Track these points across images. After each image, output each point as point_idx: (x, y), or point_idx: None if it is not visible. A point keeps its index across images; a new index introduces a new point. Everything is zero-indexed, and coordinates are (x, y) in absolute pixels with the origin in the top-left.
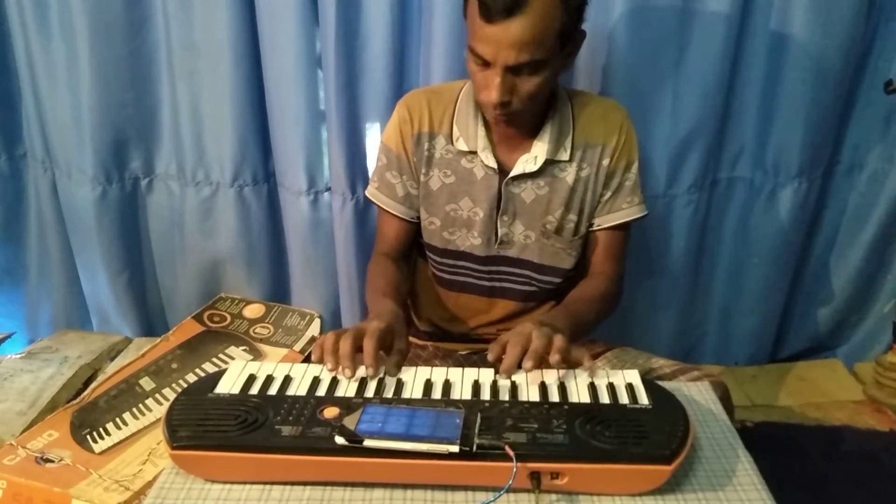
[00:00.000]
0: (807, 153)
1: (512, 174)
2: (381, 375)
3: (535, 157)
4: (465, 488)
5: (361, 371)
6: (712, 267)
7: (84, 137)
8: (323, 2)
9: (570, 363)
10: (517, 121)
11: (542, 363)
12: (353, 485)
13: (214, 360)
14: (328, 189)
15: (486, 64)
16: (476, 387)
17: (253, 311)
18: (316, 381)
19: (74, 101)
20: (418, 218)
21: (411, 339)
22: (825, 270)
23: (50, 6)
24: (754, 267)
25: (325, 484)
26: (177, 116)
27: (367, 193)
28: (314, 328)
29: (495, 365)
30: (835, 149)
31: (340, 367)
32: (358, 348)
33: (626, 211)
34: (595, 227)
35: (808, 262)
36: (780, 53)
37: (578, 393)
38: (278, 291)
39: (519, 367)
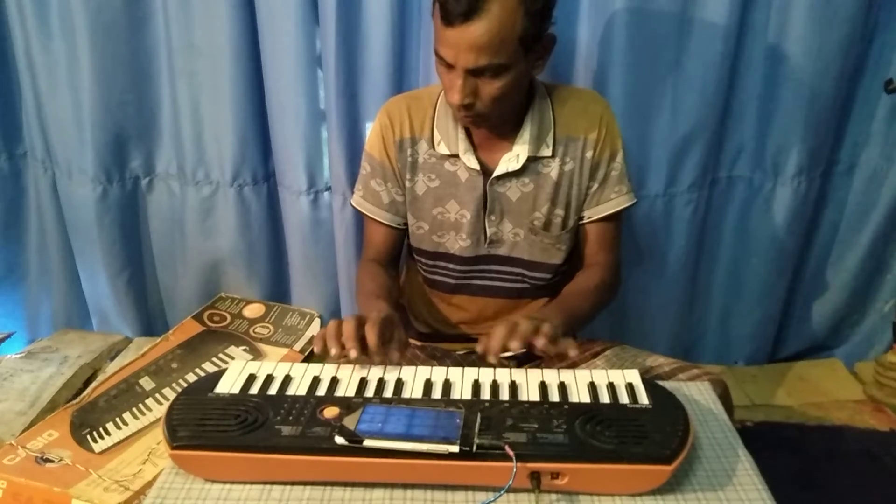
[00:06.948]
0: (806, 153)
1: (496, 174)
2: (382, 373)
3: (518, 155)
4: (465, 488)
5: (362, 371)
6: (712, 266)
7: (84, 137)
8: (323, 2)
9: (556, 351)
10: (486, 122)
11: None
12: (353, 485)
13: (214, 359)
14: (328, 189)
15: (449, 66)
16: (476, 387)
17: (253, 310)
18: (316, 381)
19: (75, 100)
20: (405, 224)
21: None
22: (824, 270)
23: (50, 6)
24: (754, 266)
25: (325, 484)
26: (177, 116)
27: (352, 202)
28: (314, 328)
29: (486, 357)
30: (834, 148)
31: (346, 349)
32: (360, 337)
33: (616, 200)
34: (586, 220)
35: (808, 262)
36: (780, 53)
37: (578, 393)
38: (278, 291)
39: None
